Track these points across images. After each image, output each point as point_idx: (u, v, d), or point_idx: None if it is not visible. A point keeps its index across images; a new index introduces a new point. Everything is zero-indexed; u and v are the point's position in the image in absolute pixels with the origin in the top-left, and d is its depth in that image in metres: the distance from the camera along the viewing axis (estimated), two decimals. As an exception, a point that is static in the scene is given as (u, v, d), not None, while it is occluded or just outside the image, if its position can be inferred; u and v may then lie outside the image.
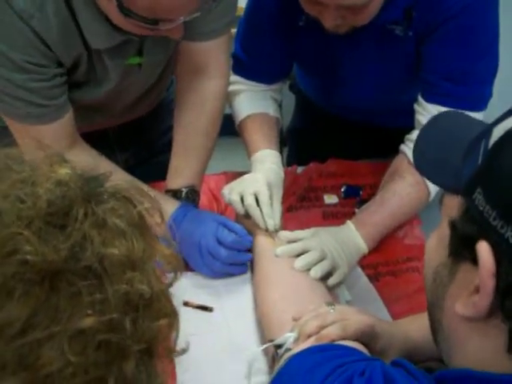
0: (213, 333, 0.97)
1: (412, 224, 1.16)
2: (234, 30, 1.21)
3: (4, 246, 0.40)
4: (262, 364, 0.88)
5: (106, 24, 0.92)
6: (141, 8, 0.83)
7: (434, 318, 0.58)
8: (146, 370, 0.45)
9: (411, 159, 1.11)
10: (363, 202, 1.22)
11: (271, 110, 1.26)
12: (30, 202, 0.42)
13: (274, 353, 0.83)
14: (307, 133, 1.49)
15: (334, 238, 1.04)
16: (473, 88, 1.09)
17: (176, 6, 0.84)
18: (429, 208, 1.15)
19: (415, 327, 0.86)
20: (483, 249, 0.48)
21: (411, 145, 1.13)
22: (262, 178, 1.09)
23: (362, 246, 1.06)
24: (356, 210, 1.22)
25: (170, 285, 0.50)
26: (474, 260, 0.50)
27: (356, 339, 0.78)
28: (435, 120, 0.66)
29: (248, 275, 1.06)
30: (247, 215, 1.07)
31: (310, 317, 0.82)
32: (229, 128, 1.26)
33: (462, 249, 0.52)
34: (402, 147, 1.15)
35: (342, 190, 1.29)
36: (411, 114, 1.18)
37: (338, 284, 1.01)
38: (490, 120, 0.59)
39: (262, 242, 1.05)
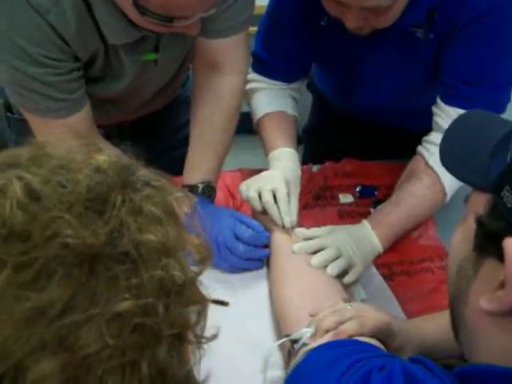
0: (228, 327, 0.97)
1: (427, 225, 1.16)
2: (252, 29, 1.22)
3: (46, 229, 0.41)
4: (277, 358, 0.89)
5: (122, 19, 0.93)
6: (155, 6, 0.84)
7: (456, 312, 0.58)
8: (178, 356, 0.46)
9: (428, 161, 1.12)
10: (378, 202, 1.23)
11: (289, 108, 1.27)
12: (70, 187, 0.43)
13: (290, 347, 0.84)
14: (323, 132, 1.50)
15: (349, 237, 1.04)
16: (493, 91, 1.10)
17: (190, 4, 0.85)
18: (444, 209, 1.16)
19: (431, 326, 0.86)
20: (510, 245, 0.49)
21: (429, 146, 1.13)
22: (279, 175, 1.10)
23: (378, 246, 1.07)
24: (371, 210, 1.22)
25: (200, 273, 0.51)
26: (500, 256, 0.51)
27: (373, 336, 0.79)
28: (464, 118, 0.66)
29: (264, 271, 1.07)
30: (264, 212, 1.08)
31: (328, 312, 0.82)
32: (245, 126, 1.27)
33: (487, 244, 0.53)
34: (420, 149, 1.15)
35: (357, 189, 1.29)
36: (428, 116, 1.19)
37: (354, 282, 1.02)
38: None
39: (278, 238, 1.05)
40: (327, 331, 0.79)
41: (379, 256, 1.08)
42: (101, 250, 0.42)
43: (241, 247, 1.03)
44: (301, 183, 1.14)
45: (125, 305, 0.42)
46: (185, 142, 1.32)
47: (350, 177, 1.33)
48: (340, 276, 0.99)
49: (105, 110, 1.18)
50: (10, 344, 0.40)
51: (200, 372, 0.51)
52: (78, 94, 1.02)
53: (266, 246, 1.07)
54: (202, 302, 0.49)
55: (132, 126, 1.34)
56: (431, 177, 1.10)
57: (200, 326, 0.49)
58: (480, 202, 0.55)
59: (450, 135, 0.65)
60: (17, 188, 0.42)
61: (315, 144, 1.49)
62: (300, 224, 1.09)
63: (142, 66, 1.07)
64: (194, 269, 0.51)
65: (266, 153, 1.21)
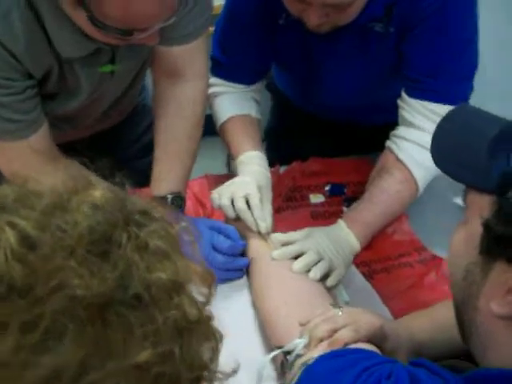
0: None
1: (401, 220, 1.16)
2: (211, 28, 1.18)
3: (48, 280, 0.37)
4: (270, 371, 0.87)
5: (75, 32, 0.88)
6: (113, 20, 0.80)
7: (465, 316, 0.58)
8: None
9: (398, 155, 1.12)
10: (349, 199, 1.22)
11: (253, 111, 1.24)
12: (70, 230, 0.39)
13: (283, 359, 0.82)
14: (286, 132, 1.48)
15: (328, 238, 1.03)
16: (455, 83, 1.10)
17: (149, 16, 0.81)
18: (416, 203, 1.16)
19: (418, 325, 0.86)
20: None
21: (397, 141, 1.13)
22: (251, 180, 1.08)
23: (355, 245, 1.06)
24: (344, 208, 1.22)
25: (207, 303, 0.48)
26: (509, 259, 0.50)
27: (368, 341, 0.77)
28: (451, 115, 0.65)
29: (244, 280, 1.04)
30: (238, 219, 1.06)
31: (319, 320, 0.81)
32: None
33: (496, 248, 0.52)
34: (388, 143, 1.15)
35: (327, 188, 1.28)
36: (391, 110, 1.19)
37: (336, 284, 1.01)
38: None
39: (256, 245, 1.03)
40: (321, 340, 0.78)
41: (357, 255, 1.08)
42: (111, 296, 0.38)
43: (220, 258, 1.00)
44: (272, 187, 1.12)
45: (143, 355, 0.38)
46: (145, 151, 1.28)
47: (318, 176, 1.31)
48: (322, 279, 0.98)
49: (60, 127, 1.13)
50: None
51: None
52: (33, 114, 0.96)
53: (243, 253, 1.05)
54: (217, 336, 0.46)
55: (88, 144, 1.29)
56: (403, 171, 1.10)
57: (215, 363, 0.46)
58: (483, 205, 0.54)
59: (439, 133, 0.65)
60: (10, 236, 0.37)
61: (279, 145, 1.47)
62: (274, 228, 1.07)
63: (99, 78, 1.02)
64: (200, 298, 0.48)
65: (234, 157, 1.19)
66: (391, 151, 1.13)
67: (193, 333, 0.43)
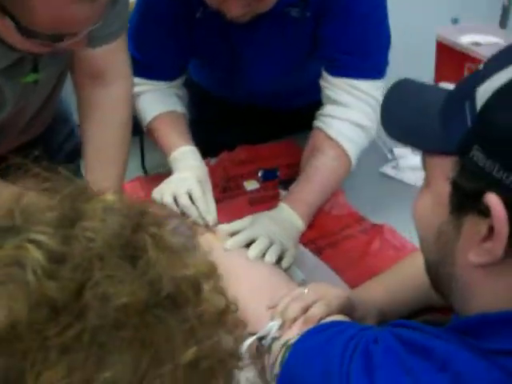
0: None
1: (337, 195, 1.21)
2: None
3: (83, 293, 0.35)
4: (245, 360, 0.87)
5: None
6: (43, 26, 0.76)
7: (441, 273, 0.61)
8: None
9: (328, 133, 1.15)
10: (284, 182, 1.25)
11: (178, 106, 1.24)
12: (95, 237, 0.38)
13: (258, 344, 0.83)
14: (208, 123, 1.48)
15: (274, 222, 1.05)
16: (372, 58, 1.16)
17: (81, 20, 0.79)
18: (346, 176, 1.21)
19: (380, 289, 0.90)
20: (493, 200, 0.52)
21: (325, 119, 1.17)
22: (190, 175, 1.08)
23: (300, 224, 1.09)
24: (281, 191, 1.24)
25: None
26: (480, 211, 0.54)
27: (339, 313, 0.80)
28: (392, 91, 0.69)
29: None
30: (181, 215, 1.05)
31: (288, 301, 0.82)
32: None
33: (466, 204, 0.56)
34: (316, 123, 1.18)
35: (260, 174, 1.30)
36: (311, 91, 1.23)
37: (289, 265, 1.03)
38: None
39: (205, 239, 1.03)
40: (295, 320, 0.80)
41: (302, 234, 1.11)
42: (147, 300, 0.38)
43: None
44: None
45: (190, 353, 0.38)
46: (69, 158, 1.24)
47: (249, 163, 1.33)
48: (276, 262, 1.00)
49: None
50: None
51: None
52: None
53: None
54: (242, 325, 0.46)
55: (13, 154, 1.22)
56: (335, 148, 1.14)
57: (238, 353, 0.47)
58: (445, 167, 0.57)
59: (387, 108, 0.68)
60: (36, 254, 0.36)
61: (203, 137, 1.47)
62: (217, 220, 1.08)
63: (22, 88, 0.97)
64: None
65: (166, 154, 1.17)
66: (320, 130, 1.17)
67: (225, 322, 0.43)
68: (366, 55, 1.16)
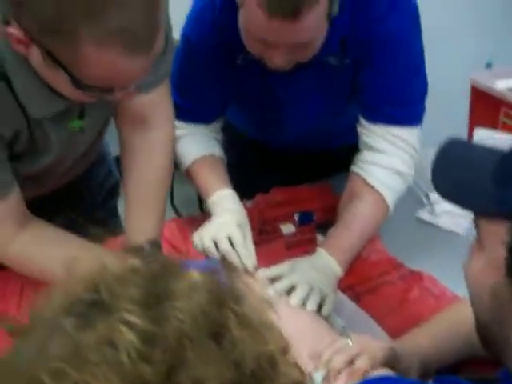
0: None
1: (374, 241, 1.21)
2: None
3: (177, 376, 0.36)
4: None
5: (46, 91, 0.86)
6: (97, 80, 0.79)
7: (495, 332, 0.61)
8: None
9: (367, 180, 1.16)
10: (321, 226, 1.25)
11: (216, 150, 1.26)
12: (185, 318, 0.38)
13: (301, 395, 0.82)
14: (244, 167, 1.49)
15: (312, 268, 1.05)
16: (410, 108, 1.17)
17: (135, 73, 0.81)
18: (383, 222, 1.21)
19: (426, 339, 0.89)
20: None
21: (363, 165, 1.17)
22: (230, 219, 1.09)
23: (338, 271, 1.09)
24: (318, 236, 1.25)
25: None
26: None
27: (383, 365, 0.80)
28: (445, 150, 0.69)
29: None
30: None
31: (332, 352, 0.82)
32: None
33: None
34: (354, 168, 1.19)
35: (296, 217, 1.31)
36: (345, 134, 1.24)
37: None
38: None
39: (245, 284, 1.03)
40: (339, 372, 0.79)
41: (340, 281, 1.11)
42: (234, 380, 0.38)
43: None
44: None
45: None
46: (107, 197, 1.26)
47: (284, 205, 1.34)
48: (317, 310, 1.00)
49: (22, 185, 1.09)
50: None
51: None
52: (4, 177, 0.93)
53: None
54: None
55: (50, 197, 1.25)
56: (373, 195, 1.15)
57: None
58: (500, 230, 0.57)
59: (438, 169, 0.68)
60: (129, 336, 0.36)
61: (239, 180, 1.49)
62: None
63: (69, 134, 1.00)
64: None
65: (205, 198, 1.19)
66: (358, 176, 1.18)
67: None
68: (405, 104, 1.17)
